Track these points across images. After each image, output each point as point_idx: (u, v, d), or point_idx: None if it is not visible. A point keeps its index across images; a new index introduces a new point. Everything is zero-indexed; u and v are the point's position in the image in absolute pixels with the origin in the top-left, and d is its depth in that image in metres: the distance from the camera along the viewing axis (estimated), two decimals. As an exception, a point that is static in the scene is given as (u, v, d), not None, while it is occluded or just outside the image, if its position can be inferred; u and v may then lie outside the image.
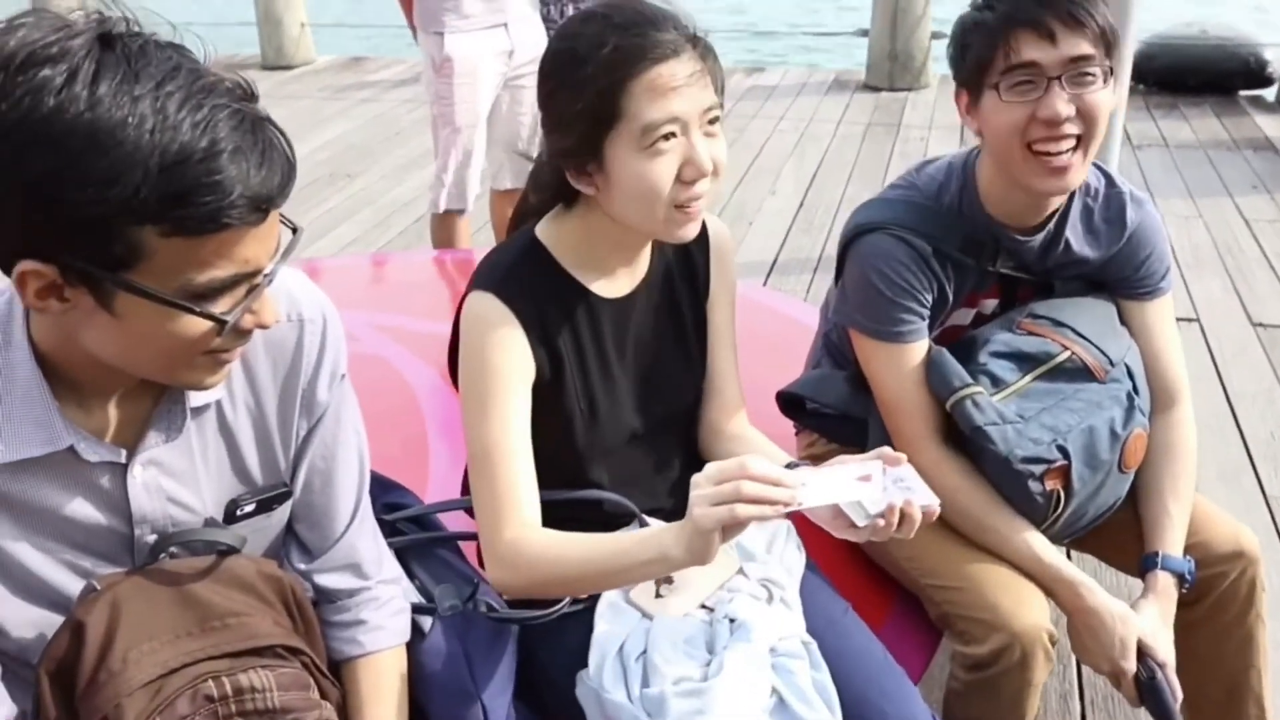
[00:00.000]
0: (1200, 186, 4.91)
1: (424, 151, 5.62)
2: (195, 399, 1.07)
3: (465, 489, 1.55)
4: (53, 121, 0.81)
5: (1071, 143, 1.47)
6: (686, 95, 1.23)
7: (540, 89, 1.32)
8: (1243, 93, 6.37)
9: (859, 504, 1.15)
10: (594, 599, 1.39)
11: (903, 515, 1.15)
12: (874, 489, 1.14)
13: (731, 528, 1.09)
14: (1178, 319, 3.50)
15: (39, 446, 0.99)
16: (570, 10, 3.35)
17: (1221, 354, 3.42)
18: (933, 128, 5.98)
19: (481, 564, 1.44)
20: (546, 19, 3.34)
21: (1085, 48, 1.44)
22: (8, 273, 0.88)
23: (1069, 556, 1.68)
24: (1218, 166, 5.18)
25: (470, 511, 1.45)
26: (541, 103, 1.32)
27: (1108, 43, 1.46)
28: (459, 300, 1.36)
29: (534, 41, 3.27)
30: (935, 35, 6.78)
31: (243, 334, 0.97)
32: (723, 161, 1.28)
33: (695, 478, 1.12)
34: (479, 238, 4.06)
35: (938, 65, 6.94)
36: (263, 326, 0.97)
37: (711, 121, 1.27)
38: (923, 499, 1.16)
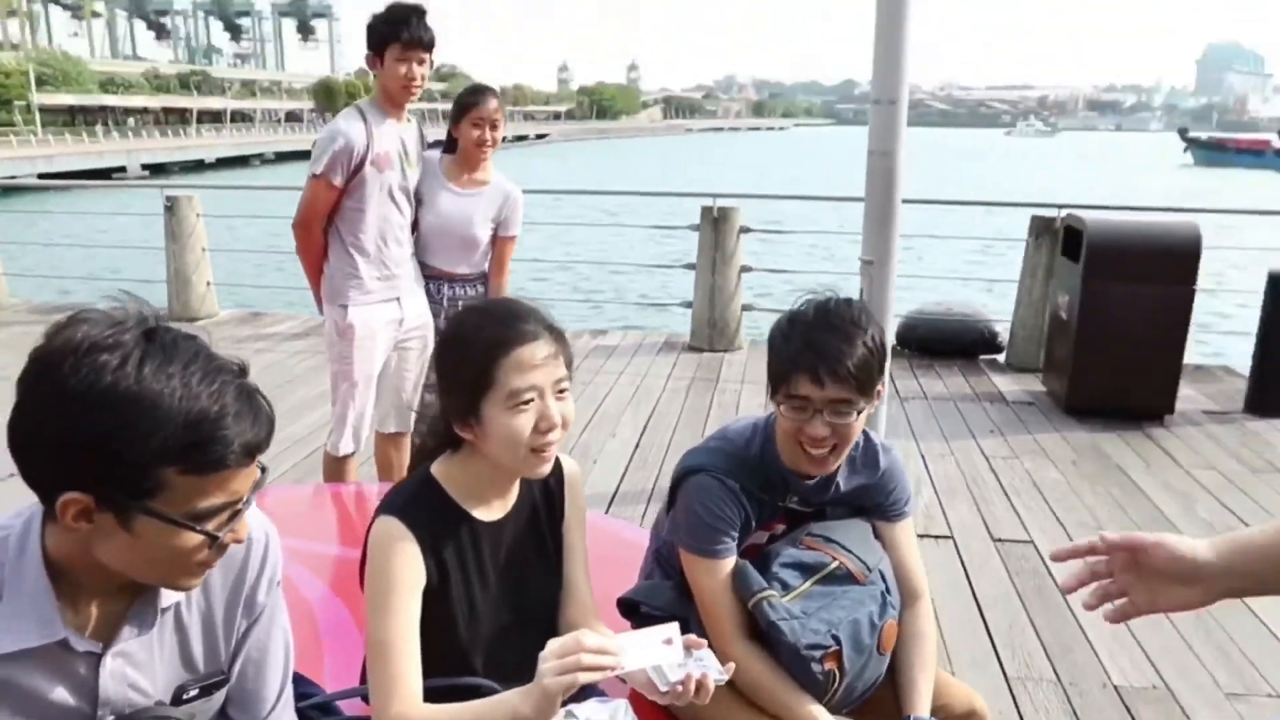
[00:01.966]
0: (952, 431, 5.34)
1: (315, 395, 5.71)
2: (165, 600, 1.19)
3: (362, 679, 1.67)
4: (111, 391, 0.98)
5: (830, 447, 1.73)
6: (543, 370, 1.46)
7: (437, 362, 1.55)
8: (981, 357, 6.98)
9: (661, 671, 1.33)
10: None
11: (699, 685, 1.33)
12: (676, 653, 1.33)
13: (571, 687, 1.26)
14: (937, 537, 3.91)
15: (38, 638, 1.08)
16: (447, 289, 3.56)
17: (971, 565, 3.69)
18: (745, 382, 6.29)
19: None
20: (428, 293, 3.55)
21: (845, 393, 1.69)
22: (48, 500, 1.03)
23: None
24: (964, 415, 5.63)
25: (366, 698, 1.57)
26: (437, 372, 1.54)
27: (867, 387, 1.71)
28: (350, 526, 1.52)
29: (419, 312, 3.49)
30: (745, 307, 7.29)
31: (224, 548, 1.12)
32: (570, 417, 1.51)
33: (542, 654, 1.28)
34: (363, 471, 4.16)
35: (748, 331, 7.49)
36: (238, 541, 1.13)
37: (561, 390, 1.50)
38: (715, 674, 1.35)
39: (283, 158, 59.25)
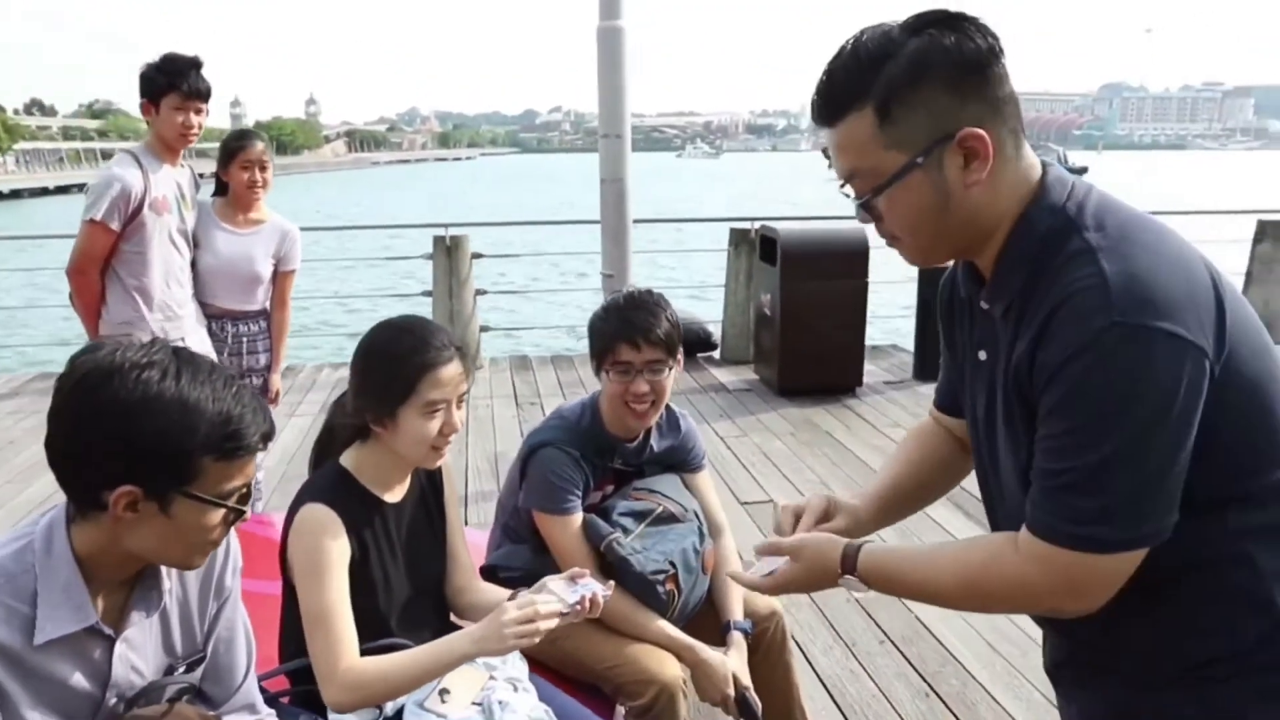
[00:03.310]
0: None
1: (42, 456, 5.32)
2: (165, 585, 1.37)
3: (283, 657, 1.85)
4: (161, 398, 1.17)
5: (649, 402, 2.14)
6: (453, 386, 1.75)
7: (357, 367, 1.77)
8: (699, 354, 7.66)
9: (563, 599, 1.65)
10: (399, 713, 1.75)
11: (592, 602, 1.66)
12: (581, 588, 1.67)
13: (527, 645, 1.60)
14: (696, 507, 4.40)
15: (74, 624, 1.23)
16: (231, 326, 3.60)
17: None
18: (493, 397, 6.56)
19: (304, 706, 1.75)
20: (210, 331, 3.57)
21: (659, 354, 2.11)
22: (93, 499, 1.19)
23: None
24: (696, 405, 6.26)
25: (289, 675, 1.77)
26: (358, 377, 1.77)
27: (673, 349, 2.14)
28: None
29: (202, 351, 3.53)
30: (483, 328, 7.62)
31: (233, 523, 1.32)
32: (463, 419, 1.80)
33: (506, 617, 1.57)
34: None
35: (486, 351, 7.81)
36: (244, 520, 1.33)
37: (461, 399, 1.79)
38: (602, 591, 1.69)
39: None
